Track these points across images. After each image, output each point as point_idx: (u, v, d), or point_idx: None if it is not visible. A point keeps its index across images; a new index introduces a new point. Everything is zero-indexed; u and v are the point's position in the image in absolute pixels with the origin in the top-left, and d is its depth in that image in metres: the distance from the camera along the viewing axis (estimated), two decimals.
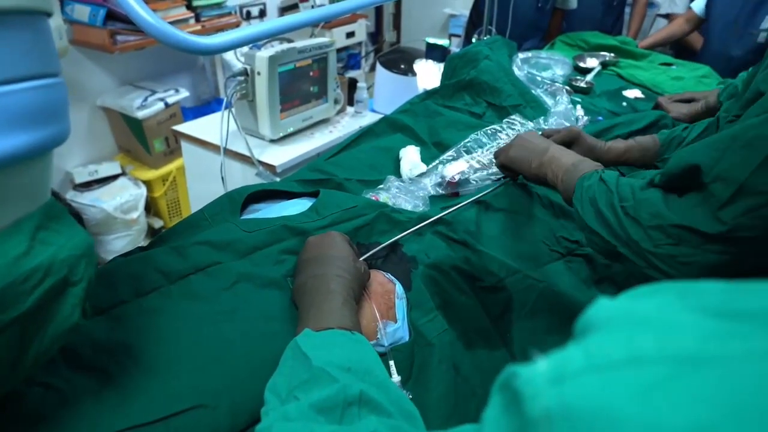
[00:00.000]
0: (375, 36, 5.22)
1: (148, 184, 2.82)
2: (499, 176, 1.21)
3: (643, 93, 2.04)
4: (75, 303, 0.47)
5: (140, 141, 2.80)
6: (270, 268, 0.78)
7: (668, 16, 3.39)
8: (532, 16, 2.72)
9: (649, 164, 1.12)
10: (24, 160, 0.43)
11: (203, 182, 2.03)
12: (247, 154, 1.70)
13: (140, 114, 2.66)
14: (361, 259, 0.79)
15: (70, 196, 2.59)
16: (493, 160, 1.24)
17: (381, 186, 1.11)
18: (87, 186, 2.64)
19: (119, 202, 2.59)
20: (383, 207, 0.94)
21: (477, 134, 1.31)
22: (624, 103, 1.95)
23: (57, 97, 0.46)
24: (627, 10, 3.19)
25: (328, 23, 3.73)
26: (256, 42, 1.19)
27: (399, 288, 0.81)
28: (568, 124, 1.52)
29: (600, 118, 1.74)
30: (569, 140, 1.09)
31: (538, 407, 0.21)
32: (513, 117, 1.42)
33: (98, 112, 2.91)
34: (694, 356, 0.20)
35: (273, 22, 1.14)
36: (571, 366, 0.22)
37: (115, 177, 2.74)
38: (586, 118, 1.65)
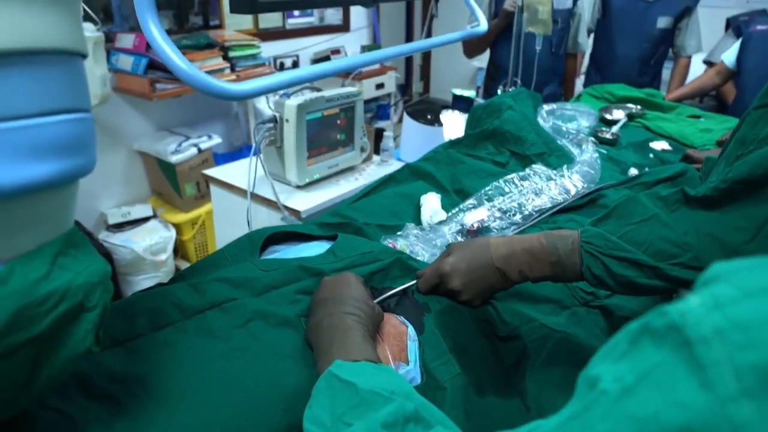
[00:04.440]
0: (404, 87, 5.34)
1: (177, 227, 2.89)
2: (521, 225, 1.21)
3: (670, 145, 2.04)
4: (89, 328, 0.49)
5: (172, 185, 2.88)
6: (285, 307, 0.79)
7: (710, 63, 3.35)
8: (547, 63, 2.80)
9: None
10: (51, 188, 0.46)
11: (230, 226, 2.07)
12: (273, 199, 1.73)
13: (174, 159, 2.75)
14: (374, 302, 0.80)
15: (103, 236, 2.67)
16: (514, 207, 1.25)
17: (399, 233, 1.12)
18: (119, 227, 2.72)
19: (149, 244, 2.65)
20: (399, 254, 0.95)
21: (498, 182, 1.32)
22: (651, 155, 1.94)
23: (85, 130, 0.49)
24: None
25: (359, 75, 3.83)
26: (281, 89, 1.24)
27: (411, 330, 0.81)
28: (593, 172, 1.52)
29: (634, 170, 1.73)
30: None
31: (706, 328, 0.25)
32: (535, 165, 1.43)
33: (135, 156, 3.02)
34: None
35: (298, 70, 1.18)
36: (724, 297, 0.26)
37: (146, 219, 2.81)
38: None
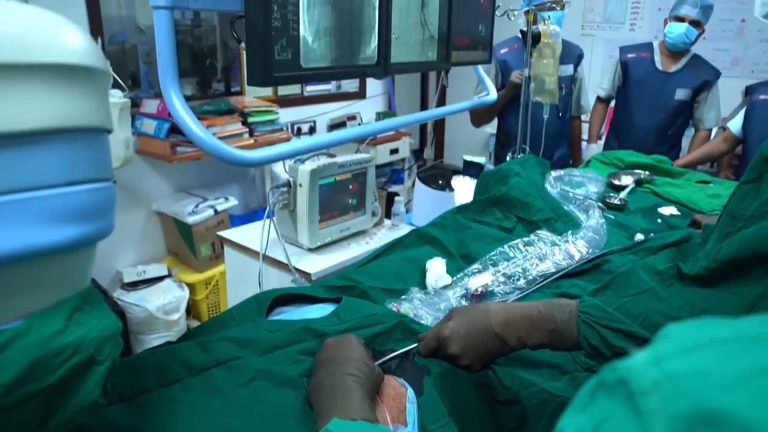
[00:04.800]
0: (418, 152, 5.45)
1: (191, 286, 2.92)
2: (525, 290, 1.23)
3: (678, 210, 2.05)
4: (98, 380, 0.52)
5: (188, 245, 2.94)
6: (288, 367, 0.81)
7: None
8: (555, 128, 2.87)
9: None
10: (72, 250, 0.50)
11: (242, 287, 2.10)
12: (285, 261, 1.77)
13: (191, 219, 2.82)
14: (375, 363, 0.82)
15: (117, 294, 2.71)
16: (518, 272, 1.28)
17: (404, 296, 1.15)
18: (134, 285, 2.76)
19: (162, 303, 2.69)
20: (402, 317, 0.97)
21: (503, 247, 1.35)
22: (659, 220, 1.95)
23: (106, 198, 0.54)
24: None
25: (373, 140, 3.94)
26: (290, 157, 1.30)
27: (410, 392, 0.82)
28: (598, 238, 1.55)
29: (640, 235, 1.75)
30: None
31: (647, 381, 0.28)
32: (540, 231, 1.46)
33: (153, 216, 3.10)
34: (754, 335, 0.29)
35: (310, 139, 1.24)
36: (663, 352, 0.29)
37: (161, 278, 2.86)
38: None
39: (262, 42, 1.01)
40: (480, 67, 2.19)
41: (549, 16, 2.29)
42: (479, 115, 3.01)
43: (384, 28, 1.37)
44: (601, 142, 3.35)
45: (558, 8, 2.52)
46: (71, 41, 0.48)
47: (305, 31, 1.10)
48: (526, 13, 2.29)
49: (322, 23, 1.15)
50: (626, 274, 0.84)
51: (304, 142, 1.35)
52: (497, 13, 2.03)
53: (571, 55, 2.96)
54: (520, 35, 2.66)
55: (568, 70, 2.92)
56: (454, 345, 0.82)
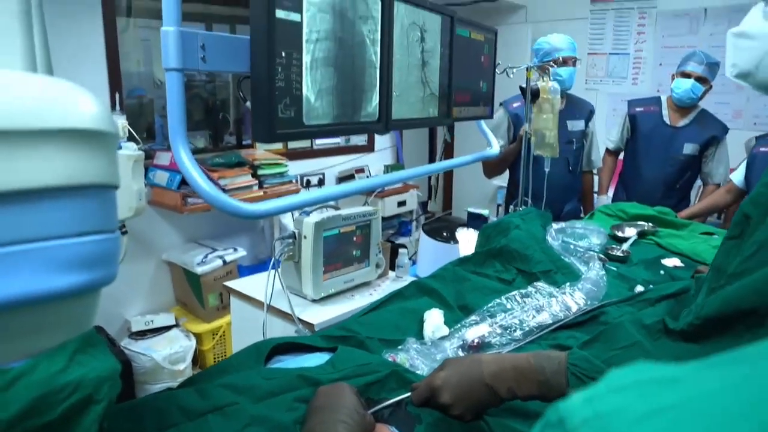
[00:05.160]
0: (426, 205, 5.51)
1: (198, 336, 2.94)
2: (521, 341, 1.24)
3: (682, 261, 2.06)
4: (94, 419, 0.55)
5: (196, 295, 2.97)
6: (282, 414, 0.83)
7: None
8: (565, 181, 2.92)
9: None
10: (77, 296, 0.54)
11: (247, 337, 2.11)
12: (289, 311, 1.79)
13: (199, 269, 2.86)
14: (368, 412, 0.83)
15: (125, 343, 2.73)
16: (515, 324, 1.29)
17: (400, 347, 1.17)
18: (141, 335, 2.79)
19: (169, 353, 2.70)
20: (396, 366, 0.99)
21: (501, 299, 1.37)
22: (662, 272, 1.96)
23: (110, 248, 0.59)
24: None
25: (381, 192, 4.00)
26: (293, 210, 1.35)
27: None
28: (596, 290, 1.56)
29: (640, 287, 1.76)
30: None
31: (578, 419, 0.31)
32: (538, 283, 1.48)
33: (163, 266, 3.15)
34: (671, 377, 0.32)
35: (312, 192, 1.29)
36: (595, 392, 0.32)
37: (168, 328, 2.88)
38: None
39: (267, 101, 1.06)
40: (483, 122, 2.26)
41: (555, 70, 2.36)
42: (491, 167, 3.06)
43: (385, 87, 1.43)
44: (611, 194, 3.38)
45: (555, 66, 2.60)
46: (83, 108, 0.53)
47: (308, 91, 1.16)
48: (527, 70, 2.37)
49: (325, 83, 1.22)
50: (614, 328, 0.87)
51: (307, 195, 1.40)
52: (497, 70, 2.11)
53: (583, 110, 3.02)
54: (520, 91, 2.74)
55: (579, 125, 2.97)
56: (445, 394, 0.83)
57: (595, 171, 3.25)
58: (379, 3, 1.38)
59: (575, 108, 2.97)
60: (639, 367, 0.34)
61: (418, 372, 1.06)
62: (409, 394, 0.91)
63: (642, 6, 4.46)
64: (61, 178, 0.51)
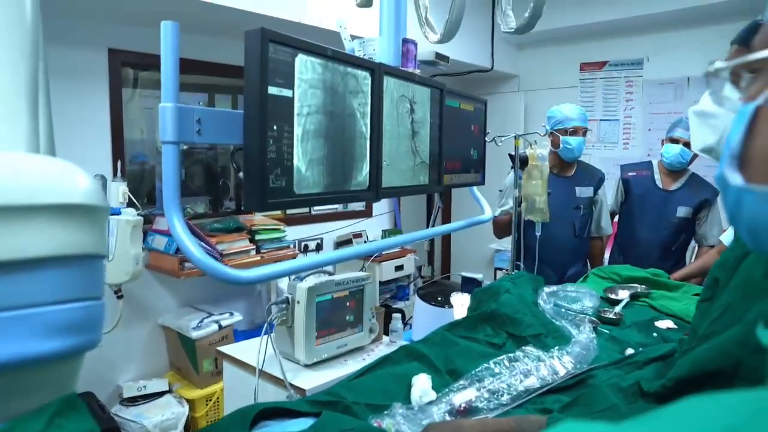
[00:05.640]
0: (421, 269, 5.53)
1: (191, 402, 2.90)
2: (508, 405, 1.25)
3: (675, 323, 2.06)
4: None
5: (191, 360, 2.95)
6: None
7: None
8: (571, 245, 2.96)
9: None
10: (61, 360, 0.57)
11: (239, 402, 2.07)
12: (281, 377, 1.79)
13: (194, 334, 2.86)
14: None
15: (115, 410, 2.70)
16: (503, 388, 1.30)
17: (387, 412, 1.17)
18: (133, 401, 2.75)
19: (160, 420, 2.67)
20: (380, 431, 1.00)
21: (489, 363, 1.37)
22: (654, 334, 1.96)
23: (94, 314, 0.62)
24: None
25: (379, 257, 4.03)
26: (285, 276, 1.38)
27: None
28: (585, 353, 1.56)
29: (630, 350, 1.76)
30: None
31: None
32: (526, 347, 1.49)
33: (157, 330, 3.15)
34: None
35: (305, 258, 1.32)
36: None
37: (161, 393, 2.85)
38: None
39: (259, 172, 1.11)
40: (476, 189, 2.32)
41: (536, 141, 2.45)
42: (500, 228, 3.09)
43: (375, 156, 1.49)
44: (606, 257, 3.41)
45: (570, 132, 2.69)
46: (75, 185, 0.58)
47: (299, 161, 1.21)
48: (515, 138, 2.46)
49: (315, 153, 1.27)
50: (592, 391, 0.88)
51: (299, 261, 1.43)
52: (486, 138, 2.18)
53: (593, 178, 3.09)
54: (509, 158, 2.82)
55: (588, 192, 3.03)
56: None
57: (604, 237, 3.28)
58: (369, 78, 1.45)
59: (585, 175, 3.05)
60: (572, 426, 0.36)
61: None
62: None
63: (628, 75, 4.63)
64: (52, 249, 0.55)
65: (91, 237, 0.60)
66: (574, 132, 2.86)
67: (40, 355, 0.55)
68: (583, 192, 3.00)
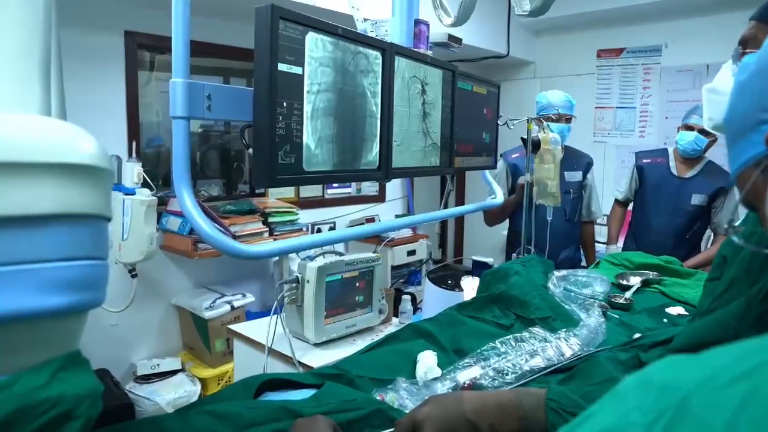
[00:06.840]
0: (431, 254, 5.53)
1: (203, 381, 2.95)
2: (513, 384, 1.25)
3: (686, 310, 2.05)
4: None
5: (203, 339, 3.00)
6: None
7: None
8: (562, 229, 2.98)
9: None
10: (64, 316, 0.58)
11: None
12: (291, 355, 1.81)
13: (207, 314, 2.89)
14: None
15: (129, 386, 2.75)
16: (509, 367, 1.30)
17: (390, 386, 1.18)
18: (147, 378, 2.80)
19: (173, 397, 2.71)
20: (380, 404, 1.01)
21: (495, 342, 1.38)
22: (665, 320, 1.95)
23: (99, 274, 0.64)
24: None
25: (391, 242, 4.04)
26: (294, 251, 1.39)
27: None
28: (593, 336, 1.56)
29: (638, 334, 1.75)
30: None
31: None
32: (533, 328, 1.49)
33: (171, 310, 3.19)
34: None
35: (313, 236, 1.33)
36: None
37: (174, 372, 2.89)
38: None
39: (268, 148, 1.12)
40: (487, 172, 2.32)
41: (549, 125, 2.43)
42: (492, 216, 3.12)
43: (385, 136, 1.49)
44: (620, 244, 3.39)
45: (554, 119, 2.69)
46: (82, 146, 0.60)
47: (308, 139, 1.22)
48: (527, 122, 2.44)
49: (325, 131, 1.28)
50: (591, 364, 0.89)
51: (307, 238, 1.44)
52: (499, 122, 2.17)
53: (580, 162, 3.10)
54: (521, 142, 2.81)
55: (576, 176, 3.04)
56: (428, 429, 0.85)
57: (596, 221, 3.28)
58: (380, 58, 1.45)
59: (572, 159, 3.05)
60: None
61: (405, 411, 1.07)
62: (392, 429, 0.92)
63: (646, 62, 4.56)
64: (57, 207, 0.57)
65: (97, 198, 0.61)
66: (558, 119, 2.86)
67: (43, 310, 0.57)
68: (572, 176, 3.02)
